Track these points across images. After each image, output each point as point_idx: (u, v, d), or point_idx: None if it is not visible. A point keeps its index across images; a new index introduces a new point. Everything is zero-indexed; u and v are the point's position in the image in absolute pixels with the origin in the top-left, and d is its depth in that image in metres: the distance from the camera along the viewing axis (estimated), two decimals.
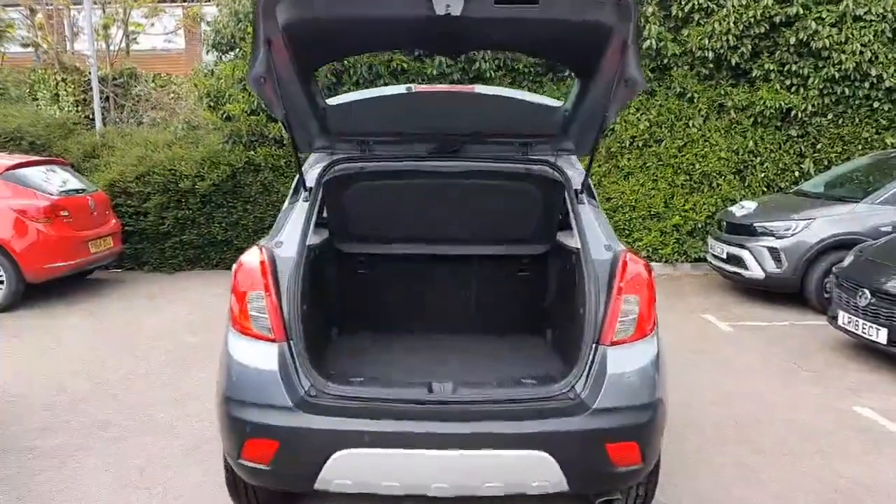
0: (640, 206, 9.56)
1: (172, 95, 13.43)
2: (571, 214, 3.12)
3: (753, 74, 9.34)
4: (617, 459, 2.64)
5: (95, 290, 8.34)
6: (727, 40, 9.07)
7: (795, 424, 4.47)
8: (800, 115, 9.25)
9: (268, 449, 2.61)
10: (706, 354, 5.92)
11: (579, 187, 3.18)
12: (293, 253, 2.90)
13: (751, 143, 9.44)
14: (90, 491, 3.55)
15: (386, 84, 8.84)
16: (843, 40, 8.91)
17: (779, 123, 9.45)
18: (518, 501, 2.95)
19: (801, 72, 9.16)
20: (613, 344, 2.72)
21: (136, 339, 6.31)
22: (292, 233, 2.98)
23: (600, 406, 2.63)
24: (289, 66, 2.75)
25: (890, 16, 8.89)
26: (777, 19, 8.96)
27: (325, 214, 3.81)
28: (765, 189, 9.53)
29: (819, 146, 9.47)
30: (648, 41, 9.04)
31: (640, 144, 9.53)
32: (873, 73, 8.98)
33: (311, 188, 3.13)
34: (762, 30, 9.04)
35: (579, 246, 3.02)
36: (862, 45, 8.90)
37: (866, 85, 9.13)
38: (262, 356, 2.69)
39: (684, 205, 9.55)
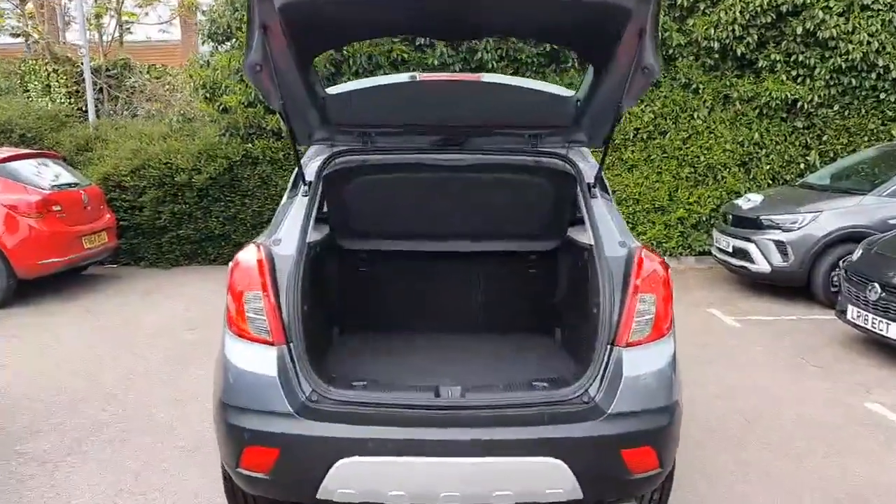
0: (644, 199, 9.43)
1: (168, 87, 13.24)
2: (584, 209, 2.98)
3: (759, 65, 9.20)
4: (633, 466, 2.52)
5: (91, 286, 8.20)
6: (733, 30, 8.93)
7: (804, 420, 4.37)
8: (806, 106, 9.12)
9: (267, 457, 2.49)
10: (712, 349, 5.81)
11: (592, 181, 3.04)
12: (292, 251, 2.76)
13: (756, 135, 9.32)
14: (82, 498, 3.42)
15: (386, 74, 8.69)
16: (850, 30, 8.78)
17: (784, 115, 9.33)
18: None
19: (807, 62, 9.02)
20: (629, 345, 2.60)
21: (133, 336, 6.18)
22: (291, 229, 2.84)
23: (616, 410, 2.51)
24: (286, 52, 2.60)
25: None
26: (784, 8, 8.81)
27: (325, 209, 3.67)
28: (770, 181, 9.42)
29: (825, 138, 9.35)
30: None
31: (645, 136, 9.40)
32: (880, 63, 8.86)
33: (310, 182, 2.99)
34: (768, 19, 8.89)
35: (592, 242, 2.89)
36: (869, 34, 8.77)
37: (873, 76, 9.01)
38: (260, 360, 2.56)
39: (689, 198, 9.44)
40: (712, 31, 8.97)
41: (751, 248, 7.52)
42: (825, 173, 8.45)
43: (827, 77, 9.03)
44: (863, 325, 5.49)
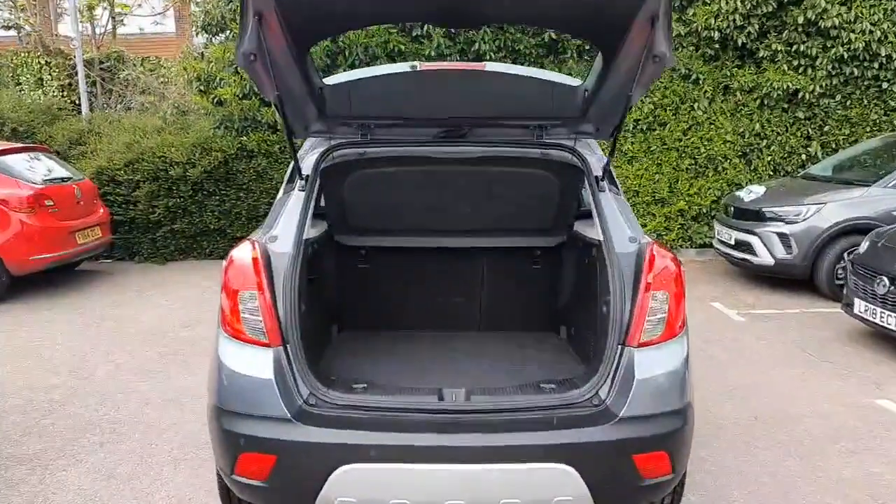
0: (643, 192, 9.33)
1: (162, 80, 13.06)
2: (592, 203, 2.87)
3: (760, 55, 9.09)
4: (645, 471, 2.42)
5: (84, 282, 8.07)
6: (734, 20, 8.82)
7: (814, 418, 4.28)
8: (807, 96, 9.02)
9: (264, 464, 2.38)
10: (717, 345, 5.71)
11: (600, 174, 2.93)
12: (289, 248, 2.65)
13: (757, 126, 9.22)
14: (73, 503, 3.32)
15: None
16: (852, 19, 8.69)
17: (786, 105, 9.22)
18: None
19: (808, 52, 8.91)
20: (641, 345, 2.50)
21: (126, 333, 6.07)
22: (288, 225, 2.73)
23: (627, 414, 2.41)
24: (282, 41, 2.48)
25: None
26: None
27: (322, 205, 3.55)
28: (771, 173, 9.33)
29: (826, 128, 9.26)
30: None
31: (644, 128, 9.29)
32: (883, 52, 8.78)
33: (307, 176, 2.87)
34: (769, 8, 8.77)
35: (600, 237, 2.78)
36: (872, 23, 8.69)
37: (875, 65, 8.92)
38: (255, 363, 2.46)
39: (689, 189, 9.34)
40: (713, 20, 8.85)
41: (753, 240, 7.44)
42: (827, 164, 8.36)
43: (829, 67, 8.93)
44: (871, 319, 5.40)
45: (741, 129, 9.24)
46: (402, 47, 8.84)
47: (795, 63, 9.02)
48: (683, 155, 9.33)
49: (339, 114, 3.01)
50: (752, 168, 9.36)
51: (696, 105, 9.21)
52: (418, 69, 2.86)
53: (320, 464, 2.34)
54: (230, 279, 2.56)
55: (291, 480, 2.40)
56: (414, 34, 8.94)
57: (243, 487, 2.47)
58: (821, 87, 8.97)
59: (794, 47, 8.94)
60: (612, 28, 2.49)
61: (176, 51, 13.72)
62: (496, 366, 3.22)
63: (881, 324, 5.28)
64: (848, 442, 3.97)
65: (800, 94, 9.04)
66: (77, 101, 11.80)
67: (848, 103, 9.18)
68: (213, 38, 9.67)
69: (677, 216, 9.37)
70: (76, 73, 11.60)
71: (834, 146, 9.21)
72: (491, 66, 2.90)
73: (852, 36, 8.68)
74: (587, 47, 9.10)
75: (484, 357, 3.34)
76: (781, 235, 7.22)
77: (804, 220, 7.14)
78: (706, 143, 9.27)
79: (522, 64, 9.14)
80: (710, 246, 8.81)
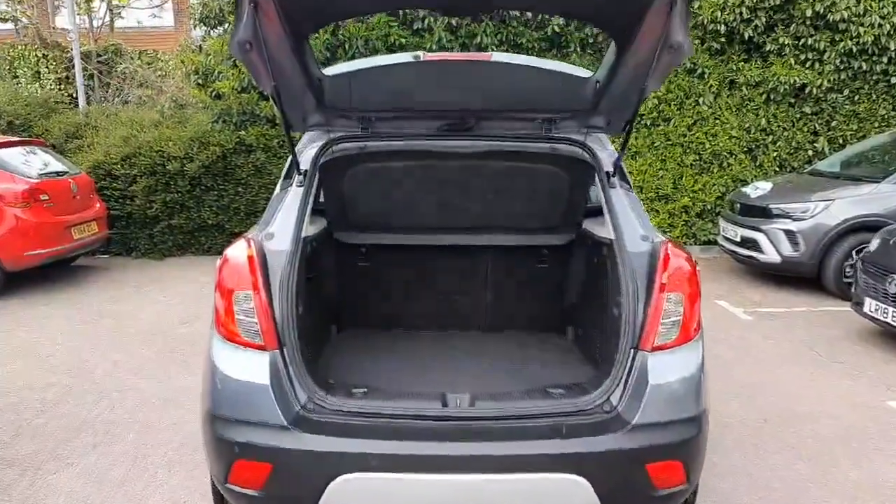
0: (647, 188, 9.21)
1: (160, 73, 12.93)
2: (603, 200, 2.75)
3: (767, 49, 8.96)
4: (659, 481, 2.31)
5: (80, 277, 7.96)
6: (740, 13, 8.70)
7: (823, 420, 4.18)
8: (814, 91, 8.89)
9: (259, 472, 2.28)
10: (723, 343, 5.61)
11: (611, 169, 2.81)
12: (286, 246, 2.54)
13: (763, 121, 9.09)
14: None
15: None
16: (861, 12, 8.56)
17: (792, 100, 9.09)
18: None
19: (816, 46, 8.77)
20: (655, 349, 2.39)
21: (123, 330, 5.96)
22: (285, 222, 2.61)
23: (641, 421, 2.30)
24: (278, 29, 2.35)
25: None
26: None
27: (321, 201, 3.43)
28: (777, 169, 9.21)
29: (834, 124, 9.13)
30: None
31: (648, 123, 9.16)
32: (892, 46, 8.67)
33: (305, 171, 2.75)
34: (777, 1, 8.63)
35: (612, 236, 2.66)
36: (881, 17, 8.56)
37: (884, 59, 8.80)
38: (250, 367, 2.35)
39: (693, 185, 9.22)
40: (719, 13, 8.72)
41: (760, 237, 7.32)
42: (835, 160, 8.23)
43: (837, 61, 8.79)
44: (882, 318, 5.28)
45: (747, 125, 9.12)
46: (403, 41, 8.71)
47: (803, 57, 8.89)
48: (688, 150, 9.20)
49: (339, 106, 2.89)
50: (758, 164, 9.24)
51: (701, 100, 9.08)
52: (421, 59, 2.73)
53: (318, 473, 2.23)
54: (224, 279, 2.45)
55: (288, 490, 2.29)
56: (415, 27, 8.80)
57: (238, 496, 2.36)
58: (828, 81, 8.84)
59: (802, 41, 8.81)
60: (626, 15, 2.36)
61: (175, 45, 13.60)
62: (501, 368, 3.11)
63: (893, 323, 5.17)
64: (859, 444, 3.87)
65: (807, 89, 8.91)
66: (74, 95, 11.67)
67: (856, 98, 9.05)
68: (212, 31, 9.53)
69: (681, 213, 9.25)
70: (73, 67, 11.46)
71: (841, 142, 9.08)
72: (497, 57, 2.78)
73: (861, 29, 8.56)
74: (591, 41, 8.97)
75: (488, 359, 3.22)
76: (788, 232, 7.10)
77: (812, 216, 7.02)
78: (711, 138, 9.15)
79: None
80: (715, 243, 8.70)
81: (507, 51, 8.99)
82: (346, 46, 8.60)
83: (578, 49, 9.02)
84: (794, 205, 7.18)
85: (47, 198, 7.22)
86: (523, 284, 3.74)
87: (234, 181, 9.02)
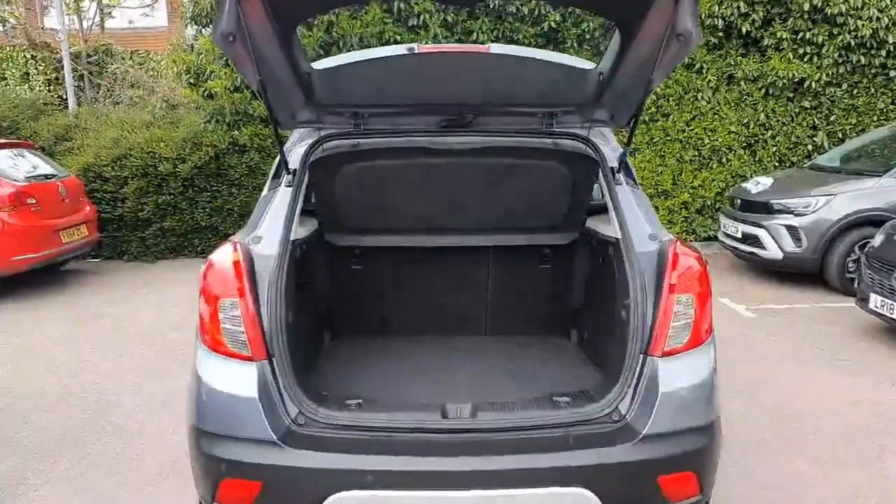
0: (646, 184, 9.10)
1: (152, 73, 12.76)
2: (608, 198, 2.62)
3: (765, 43, 8.87)
4: (671, 494, 2.20)
5: (70, 282, 7.82)
6: (738, 7, 8.62)
7: (829, 419, 4.08)
8: (813, 85, 8.80)
9: (248, 491, 2.15)
10: (728, 343, 5.48)
11: (616, 165, 2.68)
12: (274, 250, 2.40)
13: (762, 116, 9.00)
14: None
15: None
16: (859, 5, 8.49)
17: (791, 94, 9.00)
18: None
19: (814, 40, 8.69)
20: (665, 354, 2.26)
21: (114, 335, 5.82)
22: (273, 225, 2.48)
23: (651, 431, 2.17)
24: (264, 20, 2.22)
25: None
26: None
27: (312, 201, 3.28)
28: (776, 164, 9.11)
29: (833, 118, 9.05)
30: None
31: (647, 119, 9.05)
32: (890, 40, 8.61)
33: (295, 171, 2.62)
34: None
35: (618, 235, 2.54)
36: (879, 10, 8.51)
37: (883, 53, 8.74)
38: (237, 379, 2.22)
39: (693, 181, 9.13)
40: (716, 7, 8.63)
41: (761, 233, 7.22)
42: (835, 155, 8.14)
43: (835, 55, 8.72)
44: (887, 314, 5.18)
45: (746, 120, 9.03)
46: (399, 37, 8.57)
47: (801, 51, 8.81)
48: (687, 146, 9.11)
49: (330, 101, 2.75)
50: (757, 159, 9.15)
51: (699, 95, 8.99)
52: (416, 51, 2.59)
53: (311, 491, 2.11)
54: (209, 285, 2.32)
55: None
56: (410, 24, 8.67)
57: None
58: (827, 75, 8.77)
59: (800, 35, 8.72)
60: (631, 2, 2.23)
61: (169, 45, 13.42)
62: (503, 375, 2.98)
63: None
64: (864, 444, 3.78)
65: (805, 83, 8.82)
66: (64, 96, 11.50)
67: (855, 92, 8.97)
68: (203, 30, 9.38)
69: (681, 209, 9.16)
70: (63, 67, 11.30)
71: (840, 136, 9.01)
72: (496, 48, 2.63)
73: (859, 23, 8.49)
74: (588, 37, 8.85)
75: (490, 365, 3.09)
76: (790, 228, 7.00)
77: (814, 212, 6.93)
78: (710, 133, 9.05)
79: None
80: (715, 239, 8.61)
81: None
82: (341, 44, 8.46)
83: (576, 45, 8.89)
84: (796, 200, 7.08)
85: (35, 201, 7.09)
86: (525, 286, 3.60)
87: (228, 182, 8.89)
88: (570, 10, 8.65)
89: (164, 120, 9.64)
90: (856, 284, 6.25)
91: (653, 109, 9.00)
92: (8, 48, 12.95)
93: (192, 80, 9.24)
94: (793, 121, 9.07)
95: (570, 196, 3.18)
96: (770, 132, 9.08)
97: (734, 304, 6.61)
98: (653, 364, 2.25)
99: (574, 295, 3.46)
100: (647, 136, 9.08)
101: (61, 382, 4.73)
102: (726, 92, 9.03)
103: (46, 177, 7.59)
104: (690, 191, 9.11)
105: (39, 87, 12.56)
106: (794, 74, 8.71)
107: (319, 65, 2.67)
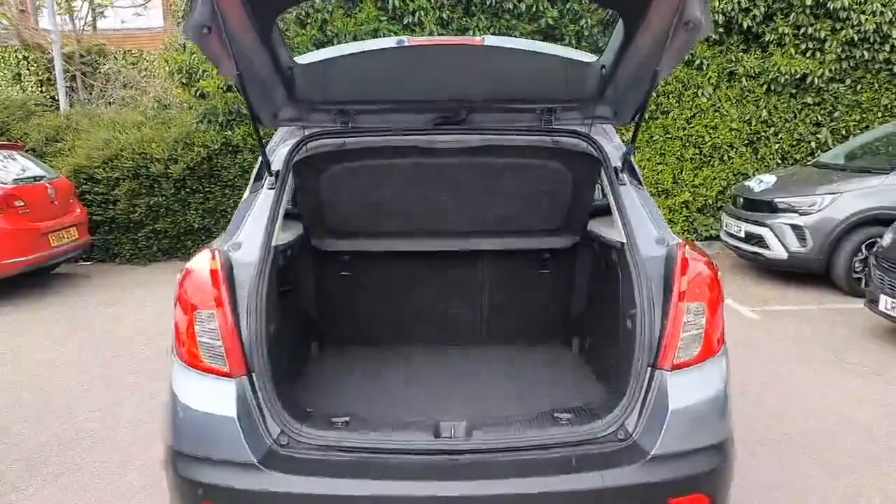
0: (646, 183, 8.93)
1: (144, 73, 12.59)
2: (611, 199, 2.47)
3: (766, 38, 8.70)
4: None
5: (60, 286, 7.65)
6: (739, 2, 8.46)
7: (841, 426, 3.93)
8: (816, 81, 8.64)
9: None
10: (731, 345, 5.23)
11: (619, 164, 2.53)
12: (255, 257, 2.25)
13: (764, 113, 8.84)
14: None
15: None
16: (862, 0, 8.28)
17: (793, 91, 8.84)
18: None
19: (817, 35, 8.52)
20: (674, 368, 2.11)
21: (102, 342, 5.65)
22: (254, 230, 2.33)
23: (661, 451, 2.02)
24: (241, 9, 2.06)
25: None
26: None
27: (297, 204, 3.12)
28: (779, 161, 8.96)
29: (836, 114, 8.89)
30: None
31: (646, 116, 8.89)
32: (894, 35, 8.43)
33: (277, 172, 2.46)
34: None
35: (622, 239, 2.38)
36: (882, 4, 8.35)
37: (887, 48, 8.57)
38: (215, 397, 2.07)
39: (694, 180, 8.98)
40: (717, 3, 8.47)
41: (765, 232, 7.08)
42: (839, 152, 7.98)
43: (838, 50, 8.55)
44: None
45: (747, 117, 8.87)
46: (394, 35, 8.42)
47: (803, 46, 8.64)
48: (687, 144, 8.96)
49: (314, 98, 2.59)
50: (759, 157, 9.00)
51: (700, 92, 8.83)
52: (406, 44, 2.43)
53: None
54: (185, 294, 2.17)
55: None
56: (405, 21, 8.51)
57: None
58: (830, 71, 8.60)
59: (802, 30, 8.56)
60: None
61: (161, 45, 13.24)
62: (501, 388, 2.82)
63: None
64: (869, 443, 3.66)
65: (808, 79, 8.66)
66: (56, 97, 11.34)
67: (858, 88, 8.81)
68: None
69: (681, 208, 9.02)
70: (55, 68, 11.13)
71: (844, 133, 8.86)
72: (490, 41, 2.46)
73: (862, 17, 8.33)
74: (586, 33, 8.69)
75: (487, 377, 2.93)
76: (795, 227, 6.86)
77: (819, 210, 6.78)
78: (711, 131, 8.90)
79: None
80: (717, 238, 8.46)
81: None
82: (335, 42, 8.30)
83: (573, 42, 8.73)
84: (801, 198, 6.94)
85: (22, 204, 6.93)
86: (523, 292, 3.44)
87: (221, 183, 8.74)
88: (567, 6, 8.50)
89: (156, 120, 9.48)
90: (863, 285, 6.11)
91: (652, 107, 8.86)
92: (0, 49, 12.78)
93: (184, 80, 9.08)
94: (795, 117, 8.92)
95: (571, 197, 3.02)
96: (772, 129, 8.93)
97: (737, 305, 6.46)
98: (661, 378, 2.10)
99: (575, 301, 3.30)
100: (646, 133, 8.93)
101: (41, 395, 4.56)
102: (727, 88, 8.87)
103: (35, 179, 7.42)
104: (691, 189, 8.96)
105: (32, 87, 12.39)
106: (796, 70, 8.56)
107: (303, 59, 2.51)
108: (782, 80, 8.65)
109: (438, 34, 8.43)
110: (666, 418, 2.05)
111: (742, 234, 7.41)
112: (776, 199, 7.08)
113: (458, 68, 2.50)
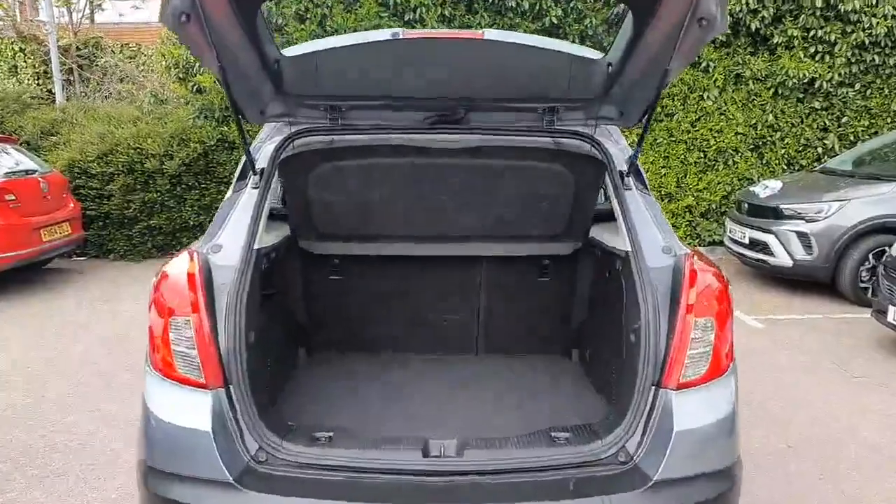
0: (649, 187, 8.79)
1: (142, 68, 12.46)
2: (615, 204, 2.33)
3: (775, 41, 8.56)
4: None
5: (51, 282, 7.52)
6: (747, 3, 8.33)
7: (850, 441, 3.81)
8: (824, 85, 8.50)
9: None
10: (737, 355, 5.17)
11: (625, 168, 2.39)
12: (236, 260, 2.11)
13: (770, 117, 8.71)
14: None
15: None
16: (873, 3, 8.22)
17: (801, 95, 8.70)
18: None
19: (827, 38, 8.39)
20: (680, 387, 1.97)
21: (93, 342, 5.51)
22: (236, 232, 2.20)
23: (664, 476, 1.89)
24: None
25: None
26: None
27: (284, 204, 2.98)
28: (785, 167, 8.83)
29: (844, 119, 8.76)
30: None
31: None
32: None
33: (262, 170, 2.33)
34: None
35: (627, 248, 2.24)
36: (894, 7, 8.17)
37: None
38: (189, 409, 1.94)
39: (698, 184, 8.85)
40: None
41: (770, 239, 6.94)
42: (847, 158, 7.84)
43: (848, 54, 8.42)
44: None
45: (753, 121, 8.73)
46: None
47: (812, 50, 8.50)
48: (692, 148, 8.82)
49: (302, 92, 2.45)
50: (765, 162, 8.86)
51: (705, 94, 8.69)
52: (401, 37, 2.29)
53: None
54: (161, 299, 2.03)
55: None
56: (406, 18, 8.38)
57: None
58: (839, 75, 8.47)
59: (812, 33, 8.43)
60: None
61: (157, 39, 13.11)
62: (496, 403, 2.68)
63: None
64: (873, 453, 3.58)
65: (816, 83, 8.53)
66: (52, 90, 11.21)
67: (868, 93, 8.67)
68: None
69: (685, 212, 8.89)
70: (51, 60, 11.01)
71: (852, 138, 8.72)
72: (491, 34, 2.32)
73: (874, 21, 8.20)
74: (591, 32, 8.55)
75: (482, 389, 2.80)
76: (801, 234, 6.72)
77: (826, 217, 6.64)
78: (716, 135, 8.77)
79: None
80: (721, 244, 8.32)
81: None
82: None
83: (577, 42, 8.60)
84: (807, 205, 6.80)
85: (13, 198, 6.79)
86: (522, 300, 3.28)
87: (217, 179, 8.61)
88: (571, 4, 8.36)
89: (152, 115, 9.36)
90: (871, 295, 5.97)
91: (657, 109, 8.70)
92: None
93: (180, 75, 8.98)
94: (802, 122, 8.79)
95: (573, 201, 2.87)
96: (778, 134, 8.79)
97: (741, 315, 6.31)
98: (666, 398, 1.96)
99: (576, 311, 3.16)
100: (650, 136, 8.80)
101: (26, 397, 4.43)
102: (733, 91, 8.73)
103: (26, 172, 7.29)
104: (695, 194, 8.83)
105: (28, 80, 12.27)
106: (804, 74, 8.42)
107: (291, 51, 2.37)
108: (790, 84, 8.52)
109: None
110: (670, 441, 1.92)
111: (746, 241, 7.28)
112: (782, 206, 6.94)
113: (457, 63, 2.36)
